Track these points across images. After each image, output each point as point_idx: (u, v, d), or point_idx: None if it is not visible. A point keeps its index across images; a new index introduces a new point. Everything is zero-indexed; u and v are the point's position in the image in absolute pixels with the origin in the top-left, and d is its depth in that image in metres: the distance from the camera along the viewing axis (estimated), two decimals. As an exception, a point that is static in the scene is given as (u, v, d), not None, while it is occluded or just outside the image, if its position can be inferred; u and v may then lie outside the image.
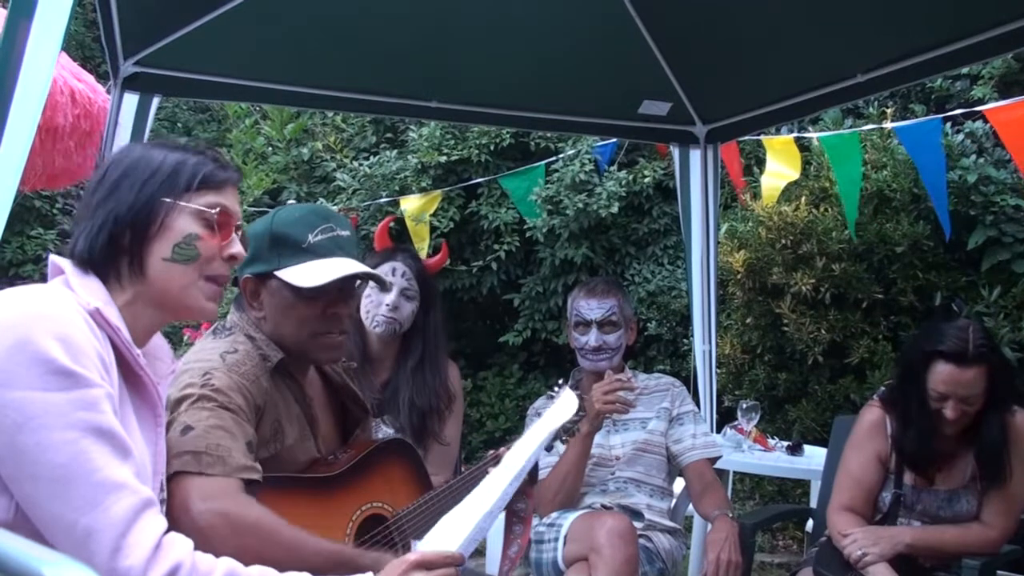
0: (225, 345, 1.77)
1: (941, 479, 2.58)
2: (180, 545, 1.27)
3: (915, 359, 2.52)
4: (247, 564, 1.35)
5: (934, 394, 2.45)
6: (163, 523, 1.27)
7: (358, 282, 1.93)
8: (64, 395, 1.19)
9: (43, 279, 1.40)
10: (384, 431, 2.64)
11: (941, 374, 2.43)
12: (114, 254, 1.38)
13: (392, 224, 6.18)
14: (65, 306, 1.26)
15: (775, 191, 4.32)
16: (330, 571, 1.59)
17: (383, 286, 2.57)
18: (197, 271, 1.42)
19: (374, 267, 2.61)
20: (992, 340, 2.55)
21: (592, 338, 2.87)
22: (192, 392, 1.62)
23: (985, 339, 2.47)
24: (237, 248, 1.47)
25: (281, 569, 1.40)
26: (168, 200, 1.40)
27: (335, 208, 6.27)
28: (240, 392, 1.67)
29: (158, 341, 1.52)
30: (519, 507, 2.17)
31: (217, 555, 1.32)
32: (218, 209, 1.43)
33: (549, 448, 2.24)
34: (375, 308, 2.62)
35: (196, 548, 1.32)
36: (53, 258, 1.40)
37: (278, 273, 1.77)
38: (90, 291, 1.33)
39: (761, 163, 5.08)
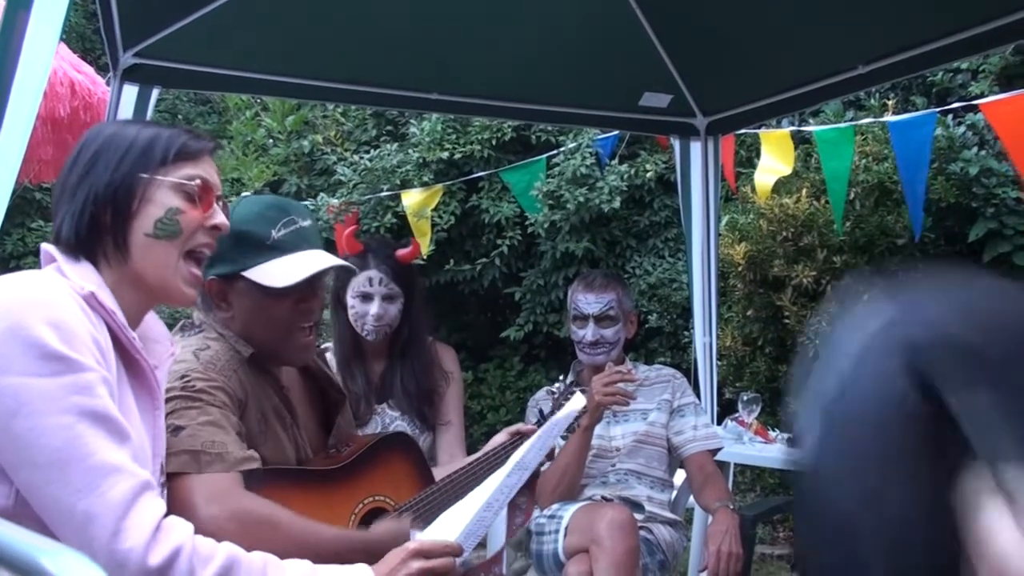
0: (196, 342, 1.75)
1: None
2: (180, 528, 1.27)
3: None
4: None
5: None
6: (162, 506, 1.27)
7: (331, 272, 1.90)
8: (57, 380, 1.19)
9: None
10: (390, 415, 2.67)
11: None
12: (98, 235, 1.37)
13: (394, 220, 6.23)
14: (58, 291, 1.26)
15: (766, 186, 4.32)
16: (339, 556, 1.60)
17: (352, 272, 2.58)
18: (180, 248, 1.40)
19: (351, 274, 2.62)
20: None
21: (589, 333, 2.87)
22: (174, 395, 1.60)
23: None
24: (220, 218, 1.45)
25: (288, 558, 1.41)
26: (145, 175, 1.38)
27: (335, 201, 6.27)
28: (221, 388, 1.66)
29: (156, 324, 1.52)
30: (520, 500, 2.18)
31: None
32: (197, 180, 1.42)
33: (549, 456, 2.26)
34: (362, 318, 2.66)
35: None
36: (44, 246, 1.39)
37: (246, 274, 1.74)
38: (82, 276, 1.33)
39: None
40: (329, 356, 2.72)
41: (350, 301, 2.68)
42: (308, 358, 1.93)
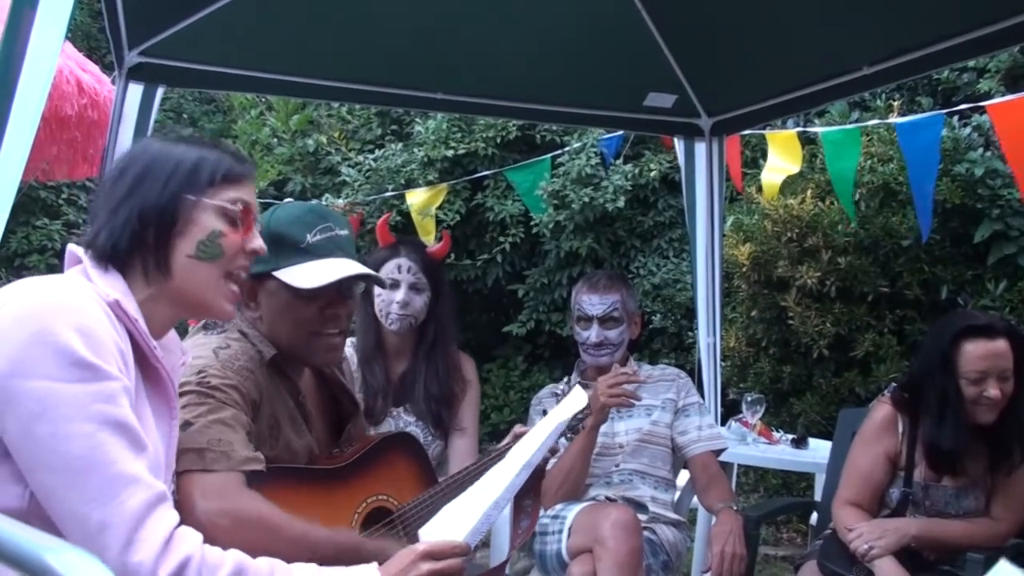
0: (217, 341, 1.76)
1: (952, 475, 2.57)
2: (190, 539, 1.27)
3: (941, 350, 2.49)
4: (253, 557, 1.35)
5: (973, 375, 2.43)
6: (175, 517, 1.27)
7: (361, 284, 1.92)
8: (83, 387, 1.19)
9: (49, 269, 1.40)
10: (405, 419, 2.67)
11: (975, 351, 2.43)
12: (138, 250, 1.37)
13: (398, 218, 6.24)
14: (85, 297, 1.26)
15: (774, 185, 4.32)
16: (336, 559, 1.59)
17: (382, 285, 2.59)
18: (220, 269, 1.42)
19: (379, 263, 2.64)
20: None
21: (593, 334, 2.86)
22: (188, 389, 1.61)
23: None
24: (259, 242, 1.47)
25: (287, 561, 1.41)
26: (192, 197, 1.40)
27: (341, 201, 6.28)
28: (236, 387, 1.67)
29: (169, 334, 1.52)
30: (525, 503, 2.18)
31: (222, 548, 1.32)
32: (240, 204, 1.44)
33: (553, 451, 2.25)
34: (387, 307, 2.65)
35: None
36: (72, 248, 1.40)
37: (276, 274, 1.75)
38: (109, 283, 1.33)
39: (767, 156, 5.07)
40: (349, 352, 2.71)
41: (376, 290, 2.67)
42: (332, 361, 1.94)
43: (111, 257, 1.37)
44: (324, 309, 1.80)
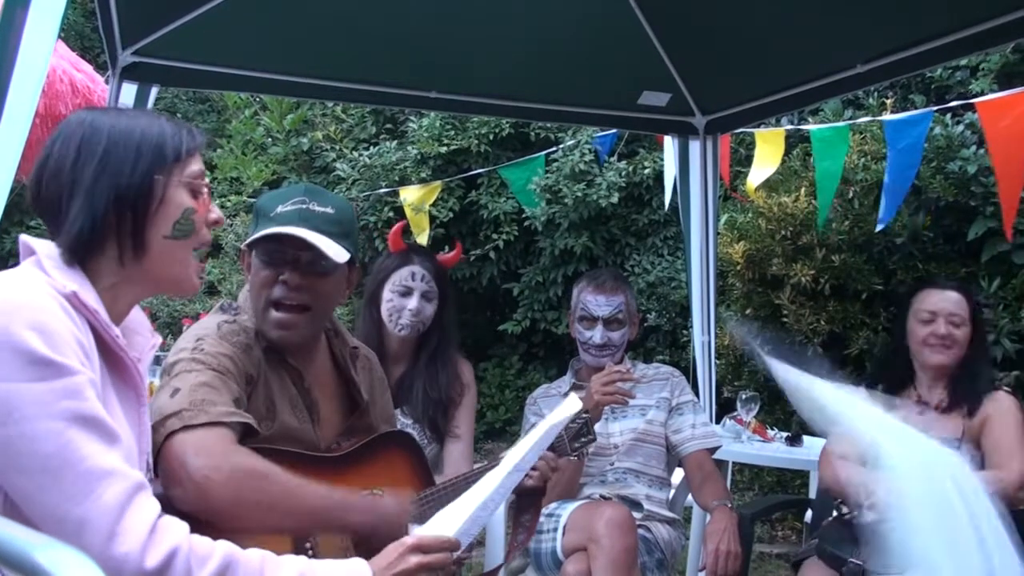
0: (226, 317, 1.83)
1: (933, 427, 2.59)
2: (176, 529, 1.25)
3: (902, 305, 2.79)
4: (247, 511, 1.38)
5: (924, 315, 2.67)
6: (156, 506, 1.26)
7: (314, 255, 1.81)
8: (46, 385, 1.18)
9: None
10: (402, 421, 2.67)
11: (927, 297, 2.70)
12: (113, 235, 1.34)
13: (391, 215, 6.24)
14: (39, 292, 1.24)
15: (753, 184, 4.35)
16: (329, 515, 1.63)
17: (398, 271, 2.65)
18: (191, 245, 1.42)
19: (391, 270, 2.69)
20: None
21: (597, 335, 2.85)
22: (183, 356, 1.67)
23: None
24: (217, 212, 1.47)
25: (280, 514, 1.47)
26: (162, 176, 1.37)
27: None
28: (229, 357, 1.71)
29: (136, 315, 1.49)
30: (524, 519, 2.18)
31: (217, 507, 1.32)
32: (202, 178, 1.44)
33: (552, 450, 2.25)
34: (398, 313, 2.66)
35: (195, 502, 1.36)
36: (24, 239, 1.35)
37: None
38: (65, 274, 1.30)
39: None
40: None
41: (387, 295, 2.67)
42: (287, 338, 1.86)
43: (84, 245, 1.32)
44: (278, 275, 1.81)
